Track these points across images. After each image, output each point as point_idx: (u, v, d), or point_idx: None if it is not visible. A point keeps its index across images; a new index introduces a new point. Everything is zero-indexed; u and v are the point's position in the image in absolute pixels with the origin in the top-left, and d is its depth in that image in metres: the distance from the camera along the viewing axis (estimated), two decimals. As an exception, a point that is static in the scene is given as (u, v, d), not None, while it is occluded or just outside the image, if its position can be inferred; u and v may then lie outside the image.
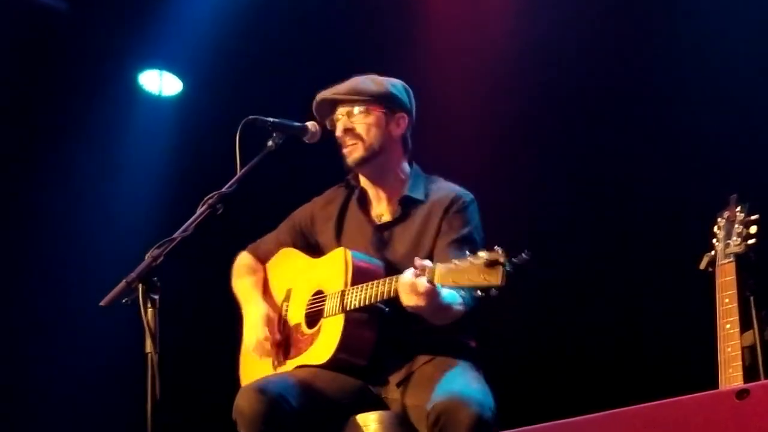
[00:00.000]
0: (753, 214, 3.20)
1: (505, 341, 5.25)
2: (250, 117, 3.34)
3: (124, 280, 2.82)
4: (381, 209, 3.61)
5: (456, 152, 5.21)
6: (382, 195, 3.61)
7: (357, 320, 3.31)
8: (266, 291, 3.73)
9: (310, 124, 3.55)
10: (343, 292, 3.34)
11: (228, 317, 3.79)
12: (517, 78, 5.33)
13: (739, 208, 3.23)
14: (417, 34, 5.58)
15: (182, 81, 5.91)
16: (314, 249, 3.69)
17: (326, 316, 3.40)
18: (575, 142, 5.30)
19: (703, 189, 4.41)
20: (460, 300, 3.22)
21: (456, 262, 2.94)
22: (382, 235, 3.54)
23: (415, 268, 3.07)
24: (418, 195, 3.56)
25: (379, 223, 3.57)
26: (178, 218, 3.08)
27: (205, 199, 3.11)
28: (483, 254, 2.89)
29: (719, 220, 3.26)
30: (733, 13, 4.82)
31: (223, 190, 3.14)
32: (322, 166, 3.77)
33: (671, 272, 4.73)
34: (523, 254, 2.86)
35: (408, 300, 3.11)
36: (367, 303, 3.26)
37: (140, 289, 2.81)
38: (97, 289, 2.89)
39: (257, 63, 5.65)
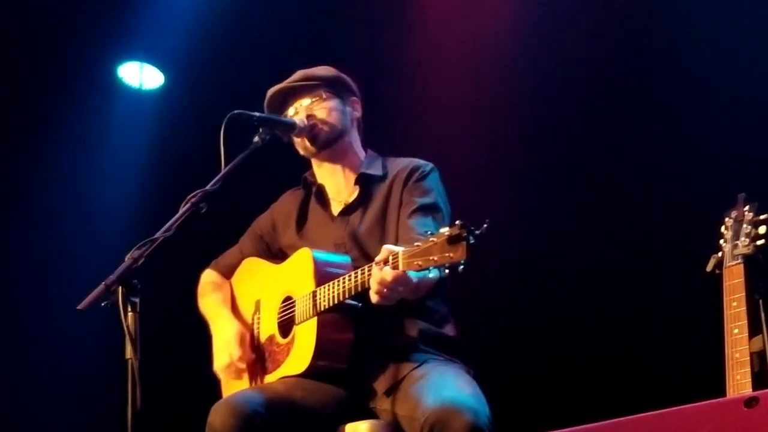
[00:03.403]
0: (762, 214, 3.20)
1: (504, 346, 5.26)
2: (235, 111, 3.34)
3: (103, 283, 2.80)
4: (342, 197, 3.63)
5: (456, 149, 5.22)
6: (341, 181, 3.65)
7: (330, 322, 3.31)
8: (235, 306, 3.74)
9: (298, 119, 3.57)
10: (312, 293, 3.34)
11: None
12: (519, 73, 5.34)
13: (747, 208, 3.23)
14: (412, 28, 5.58)
15: (164, 74, 5.90)
16: (278, 256, 3.70)
17: (298, 323, 3.39)
18: (578, 139, 5.31)
19: (710, 188, 4.42)
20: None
21: (418, 243, 2.95)
22: (347, 219, 3.57)
23: (378, 263, 3.05)
24: (375, 171, 3.62)
25: (340, 208, 3.60)
26: (159, 218, 3.07)
27: (188, 197, 3.10)
28: (444, 230, 2.90)
29: (727, 220, 3.26)
30: (744, 9, 4.83)
31: (207, 188, 3.14)
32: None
33: (677, 275, 4.74)
34: (484, 224, 2.87)
35: (381, 299, 3.10)
36: (337, 301, 3.25)
37: (120, 291, 2.81)
38: (74, 292, 2.89)
39: (242, 55, 5.65)
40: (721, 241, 3.23)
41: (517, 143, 5.36)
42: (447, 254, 2.88)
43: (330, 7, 5.59)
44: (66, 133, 5.63)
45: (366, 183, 3.60)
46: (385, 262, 3.03)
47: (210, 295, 3.77)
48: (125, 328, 2.79)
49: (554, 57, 5.26)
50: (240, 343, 3.55)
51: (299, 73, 3.67)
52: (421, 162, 3.61)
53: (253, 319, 3.64)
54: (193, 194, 3.11)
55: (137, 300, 2.83)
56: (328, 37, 5.52)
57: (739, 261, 3.13)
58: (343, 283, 3.23)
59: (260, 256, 3.75)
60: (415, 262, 2.94)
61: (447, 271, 2.91)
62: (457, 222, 2.89)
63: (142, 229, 3.12)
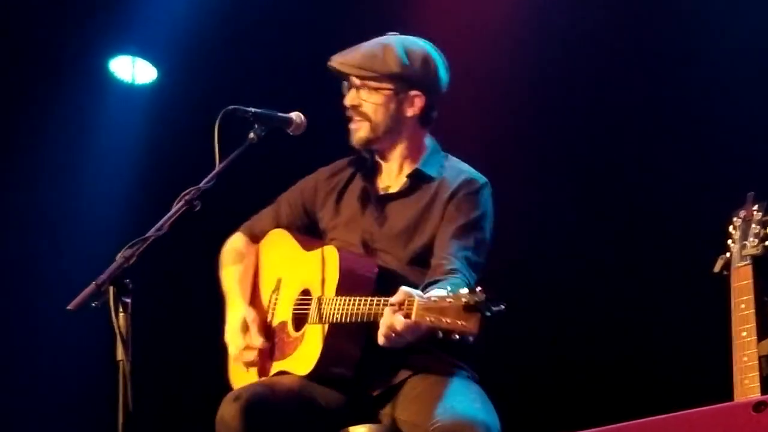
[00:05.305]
0: (771, 214, 3.20)
1: (506, 349, 5.26)
2: (230, 107, 3.34)
3: (94, 282, 2.80)
4: (389, 181, 3.60)
5: (455, 148, 5.21)
6: (394, 169, 3.61)
7: (340, 331, 3.28)
8: (257, 275, 3.71)
9: (295, 115, 3.56)
10: (328, 300, 3.32)
11: (208, 322, 3.78)
12: (522, 72, 5.34)
13: (756, 207, 3.22)
14: (411, 27, 5.57)
15: (157, 68, 5.89)
16: (312, 225, 3.67)
17: (310, 323, 3.39)
18: (582, 138, 5.30)
19: (718, 186, 4.42)
20: None
21: (436, 298, 2.91)
22: (383, 207, 3.54)
23: (392, 305, 3.01)
24: (432, 171, 3.55)
25: (381, 194, 3.57)
26: (152, 216, 3.07)
27: (182, 195, 3.10)
28: (464, 295, 2.86)
29: (735, 219, 3.25)
30: (754, 8, 4.84)
31: (201, 185, 3.13)
32: (309, 159, 3.78)
33: (683, 276, 4.74)
34: (502, 305, 2.85)
35: (387, 343, 3.06)
36: (346, 321, 3.22)
37: (111, 291, 2.80)
38: (64, 292, 2.88)
39: (237, 49, 5.64)
40: (729, 242, 3.22)
41: (520, 142, 5.36)
42: (459, 321, 2.84)
43: (326, 3, 5.58)
44: (56, 128, 5.62)
45: (417, 179, 3.55)
46: (401, 305, 2.99)
47: (230, 267, 3.73)
48: (116, 329, 2.79)
49: (557, 55, 5.26)
50: (243, 331, 3.52)
51: (365, 51, 3.56)
52: (476, 175, 3.55)
53: (271, 297, 3.63)
54: (186, 192, 3.10)
55: (129, 300, 2.83)
56: (324, 33, 5.51)
57: (748, 262, 3.12)
58: (358, 305, 3.19)
59: (294, 221, 3.70)
60: (428, 318, 2.89)
61: (457, 337, 2.87)
62: (478, 290, 2.86)
63: (134, 228, 3.12)
